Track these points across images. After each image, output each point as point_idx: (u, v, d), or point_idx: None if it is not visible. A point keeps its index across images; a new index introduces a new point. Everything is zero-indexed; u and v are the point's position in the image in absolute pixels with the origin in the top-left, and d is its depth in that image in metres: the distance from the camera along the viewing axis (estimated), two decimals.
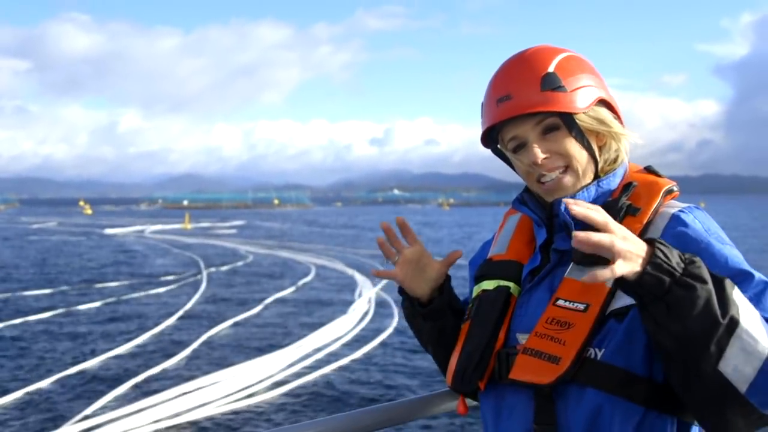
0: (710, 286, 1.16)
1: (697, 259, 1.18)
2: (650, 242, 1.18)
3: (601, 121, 1.46)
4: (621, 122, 1.50)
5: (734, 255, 1.33)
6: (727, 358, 1.16)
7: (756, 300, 1.26)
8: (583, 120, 1.44)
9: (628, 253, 1.13)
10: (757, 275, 1.30)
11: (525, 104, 1.42)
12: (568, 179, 1.45)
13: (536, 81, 1.42)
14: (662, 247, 1.16)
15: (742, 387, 1.17)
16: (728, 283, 1.19)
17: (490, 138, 1.54)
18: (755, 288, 1.28)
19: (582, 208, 1.14)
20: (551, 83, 1.42)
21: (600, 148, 1.48)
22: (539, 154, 1.43)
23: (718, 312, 1.15)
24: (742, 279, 1.28)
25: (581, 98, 1.43)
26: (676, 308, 1.15)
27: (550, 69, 1.43)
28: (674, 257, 1.16)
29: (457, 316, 1.63)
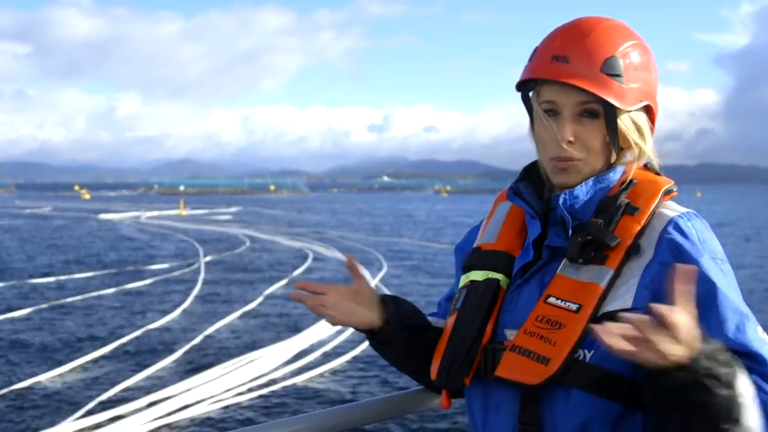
0: (731, 392, 1.13)
1: (727, 356, 1.14)
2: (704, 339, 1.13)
3: (638, 130, 1.40)
4: (653, 129, 1.44)
5: (724, 275, 1.31)
6: None
7: (741, 331, 1.26)
8: (623, 120, 1.37)
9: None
10: (735, 304, 1.28)
11: (579, 75, 1.34)
12: (581, 168, 1.39)
13: (599, 58, 1.34)
14: (706, 348, 1.11)
15: None
16: (737, 371, 1.15)
17: (525, 84, 1.45)
18: (737, 318, 1.27)
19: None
20: (612, 68, 1.34)
21: (622, 150, 1.41)
22: (567, 135, 1.36)
23: (723, 416, 1.13)
24: (723, 304, 1.27)
25: (632, 96, 1.36)
26: (688, 406, 1.14)
27: (617, 53, 1.35)
28: (713, 361, 1.12)
29: (419, 331, 1.55)
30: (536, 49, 1.44)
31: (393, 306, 1.53)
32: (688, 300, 1.08)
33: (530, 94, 1.45)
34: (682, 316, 1.07)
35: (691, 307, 1.09)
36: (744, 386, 1.17)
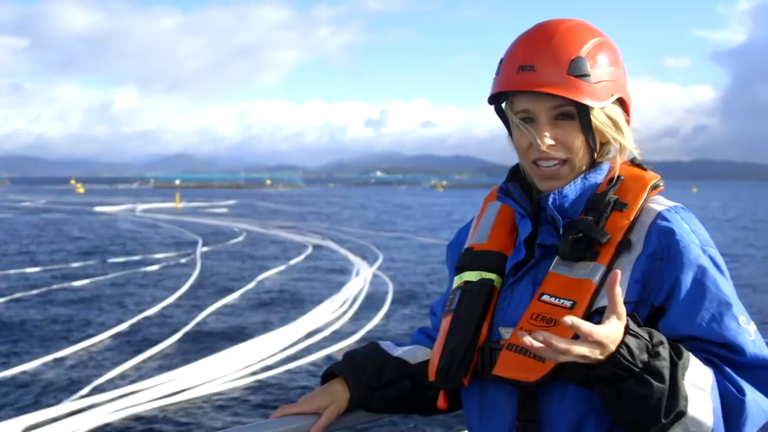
0: (666, 384, 1.18)
1: (662, 349, 1.19)
2: (625, 330, 1.18)
3: (614, 123, 1.42)
4: (629, 121, 1.46)
5: (710, 262, 1.34)
6: None
7: (716, 320, 1.29)
8: (597, 117, 1.39)
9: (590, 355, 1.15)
10: (715, 293, 1.31)
11: (547, 83, 1.35)
12: (565, 171, 1.41)
13: (565, 62, 1.36)
14: (631, 342, 1.17)
15: None
16: (681, 365, 1.20)
17: (497, 97, 1.47)
18: (714, 308, 1.30)
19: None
20: (578, 69, 1.35)
21: (602, 145, 1.44)
22: (547, 140, 1.38)
23: (665, 408, 1.18)
24: (701, 294, 1.31)
25: (602, 92, 1.37)
26: (626, 397, 1.18)
27: (582, 53, 1.37)
28: (641, 354, 1.17)
29: (390, 385, 1.58)
30: (501, 62, 1.45)
31: (354, 381, 1.56)
32: (618, 304, 1.16)
33: (503, 105, 1.47)
34: (607, 329, 1.14)
35: (621, 310, 1.15)
36: (695, 378, 1.20)
